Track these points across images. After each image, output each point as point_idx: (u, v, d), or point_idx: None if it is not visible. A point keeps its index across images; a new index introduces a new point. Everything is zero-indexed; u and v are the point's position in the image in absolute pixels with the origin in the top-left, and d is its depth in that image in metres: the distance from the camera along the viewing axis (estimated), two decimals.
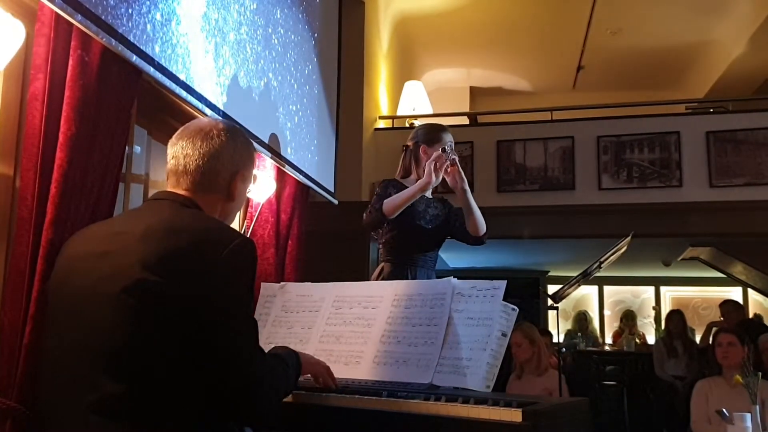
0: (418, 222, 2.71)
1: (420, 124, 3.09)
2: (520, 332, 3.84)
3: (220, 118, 2.73)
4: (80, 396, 1.27)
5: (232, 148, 1.54)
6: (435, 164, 2.62)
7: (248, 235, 3.32)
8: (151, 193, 2.68)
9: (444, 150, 2.68)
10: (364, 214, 2.67)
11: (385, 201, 2.60)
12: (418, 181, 2.63)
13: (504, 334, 1.72)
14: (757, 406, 2.64)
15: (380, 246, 2.80)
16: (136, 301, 1.27)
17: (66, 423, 1.30)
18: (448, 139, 2.80)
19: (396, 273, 2.67)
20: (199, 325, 1.28)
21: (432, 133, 2.82)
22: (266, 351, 1.45)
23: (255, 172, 3.25)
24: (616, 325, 8.80)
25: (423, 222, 2.73)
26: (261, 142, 3.16)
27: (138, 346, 1.26)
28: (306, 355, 1.67)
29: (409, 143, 2.88)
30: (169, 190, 1.53)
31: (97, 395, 1.25)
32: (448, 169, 2.68)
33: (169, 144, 1.55)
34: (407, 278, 2.65)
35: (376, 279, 2.71)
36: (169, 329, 1.27)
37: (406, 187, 2.72)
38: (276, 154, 3.34)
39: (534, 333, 3.92)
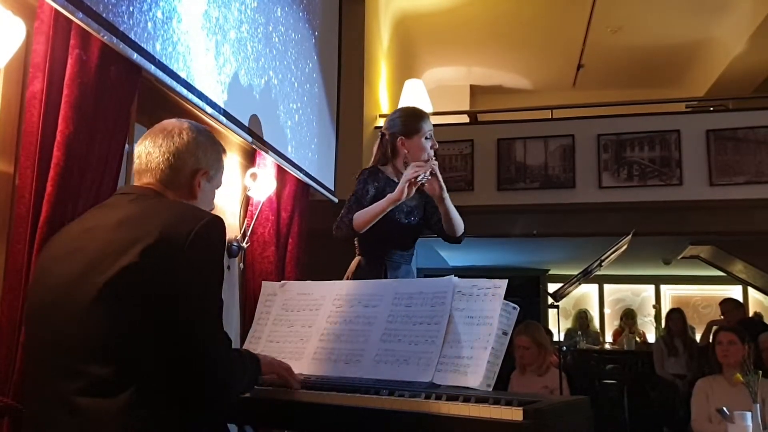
0: (396, 217, 2.59)
1: (399, 108, 2.89)
2: (529, 336, 3.81)
3: (220, 117, 2.72)
4: (64, 384, 1.30)
5: (194, 146, 1.56)
6: (410, 182, 2.44)
7: (248, 234, 3.32)
8: None
9: (426, 160, 2.54)
10: (334, 227, 2.54)
11: (355, 215, 2.48)
12: (389, 196, 2.48)
13: (505, 333, 1.71)
14: (758, 405, 2.64)
15: (355, 239, 2.67)
16: (119, 289, 1.31)
17: (49, 410, 1.33)
18: (428, 128, 2.65)
19: (372, 267, 2.59)
20: (171, 305, 1.32)
21: (410, 124, 2.64)
22: (259, 351, 1.47)
23: (256, 170, 3.26)
24: (617, 323, 8.81)
25: (402, 216, 2.62)
26: (261, 140, 3.16)
27: (123, 330, 1.31)
28: (266, 357, 1.69)
29: (386, 132, 2.70)
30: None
31: (83, 381, 1.29)
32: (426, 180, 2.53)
33: (135, 145, 1.59)
34: (383, 273, 2.58)
35: (353, 273, 2.62)
36: (148, 311, 1.31)
37: (389, 178, 2.64)
38: (276, 152, 3.34)
39: (542, 336, 3.89)
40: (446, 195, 2.57)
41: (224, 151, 1.69)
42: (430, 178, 2.48)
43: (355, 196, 2.57)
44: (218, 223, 1.43)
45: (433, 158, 2.62)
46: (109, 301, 1.30)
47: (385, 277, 2.56)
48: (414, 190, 2.49)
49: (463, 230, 2.69)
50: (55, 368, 1.34)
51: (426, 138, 2.64)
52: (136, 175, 1.57)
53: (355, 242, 2.69)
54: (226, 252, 3.18)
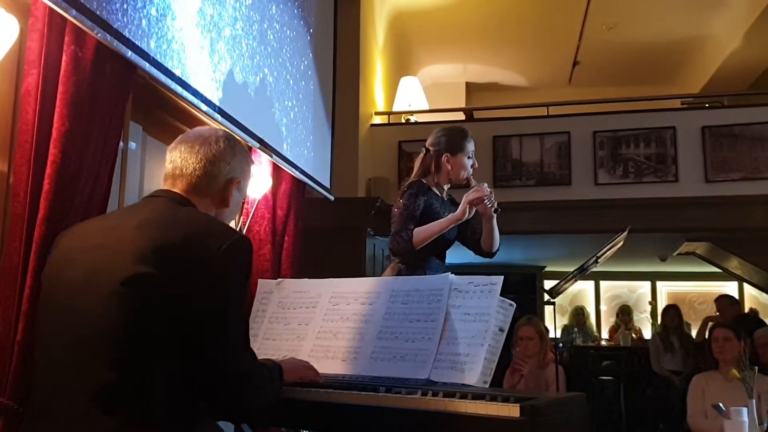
0: (445, 232, 2.68)
1: (443, 127, 3.00)
2: (532, 327, 3.85)
3: (215, 114, 2.72)
4: (79, 385, 1.28)
5: (230, 155, 1.57)
6: (472, 203, 2.60)
7: (244, 232, 3.31)
8: (146, 188, 2.67)
9: (482, 189, 2.66)
10: (391, 241, 2.62)
11: (415, 232, 2.58)
12: (451, 216, 2.62)
13: (501, 330, 1.71)
14: (753, 401, 2.64)
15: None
16: (131, 293, 1.28)
17: (66, 412, 1.30)
18: (471, 147, 2.82)
19: (414, 274, 2.64)
20: (191, 319, 1.29)
21: (456, 143, 2.80)
22: (255, 349, 1.46)
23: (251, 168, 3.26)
24: (613, 320, 8.82)
25: (446, 231, 2.69)
26: (257, 138, 3.15)
27: (133, 336, 1.28)
28: (287, 363, 1.68)
29: (430, 148, 2.83)
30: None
31: (95, 384, 1.26)
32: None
33: (168, 150, 1.58)
34: None
35: None
36: (163, 321, 1.28)
37: (432, 191, 2.75)
38: (272, 150, 3.33)
39: (542, 328, 3.95)
40: (495, 215, 2.71)
41: (252, 161, 1.69)
42: (498, 209, 2.65)
43: (407, 210, 2.65)
44: (247, 243, 1.42)
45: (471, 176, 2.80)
46: (123, 303, 1.28)
47: None
48: (474, 210, 2.63)
49: (498, 247, 2.81)
50: (68, 368, 1.31)
51: (468, 157, 2.82)
52: (168, 180, 1.55)
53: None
54: None
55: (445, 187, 2.85)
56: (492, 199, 2.65)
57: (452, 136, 2.83)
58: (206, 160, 1.53)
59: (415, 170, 2.86)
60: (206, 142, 1.55)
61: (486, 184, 2.70)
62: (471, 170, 2.81)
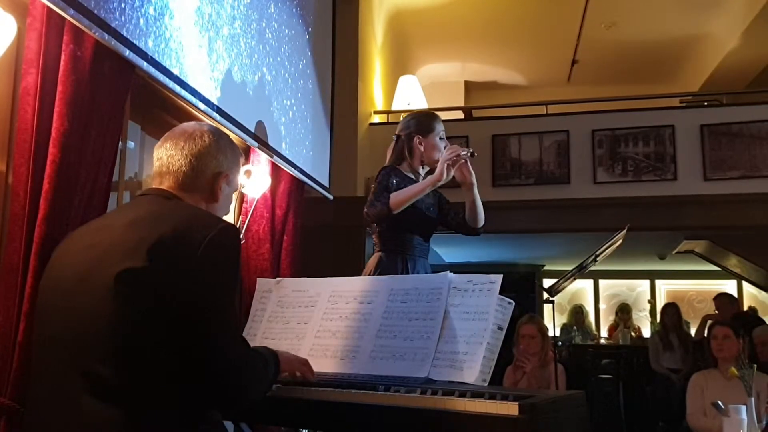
0: (422, 210, 2.69)
1: (410, 112, 3.02)
2: (534, 325, 3.85)
3: (213, 113, 2.71)
4: (70, 383, 1.28)
5: (215, 149, 1.56)
6: (449, 163, 2.58)
7: (243, 231, 3.31)
8: (145, 187, 2.67)
9: (449, 145, 2.66)
10: (367, 207, 2.61)
11: (393, 195, 2.57)
12: (429, 178, 2.61)
13: (500, 328, 1.71)
14: (752, 399, 2.64)
15: (375, 235, 2.75)
16: (125, 289, 1.29)
17: (59, 408, 1.31)
18: (441, 128, 2.81)
19: (393, 262, 2.65)
20: (182, 313, 1.29)
21: (426, 123, 2.80)
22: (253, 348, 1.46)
23: (250, 167, 3.25)
24: (612, 318, 8.83)
25: (425, 208, 2.71)
26: (255, 137, 3.15)
27: (127, 331, 1.28)
28: (284, 354, 1.68)
29: (401, 133, 2.83)
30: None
31: (90, 380, 1.27)
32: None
33: (155, 148, 1.58)
34: (406, 268, 2.65)
35: (374, 270, 2.68)
36: (156, 314, 1.28)
37: (406, 175, 2.73)
38: (270, 150, 3.33)
39: (544, 326, 3.95)
40: (475, 182, 2.73)
41: (242, 154, 1.68)
42: (472, 152, 2.63)
43: (381, 185, 2.66)
44: (233, 231, 1.42)
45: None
46: (116, 299, 1.28)
47: (406, 270, 2.65)
48: (452, 172, 2.61)
49: (483, 221, 2.79)
50: (62, 365, 1.32)
51: (440, 138, 2.80)
52: (156, 178, 1.56)
53: (376, 239, 2.75)
54: None
55: (421, 171, 2.82)
56: (466, 148, 2.66)
57: (421, 119, 2.85)
58: (192, 155, 1.53)
59: (387, 159, 2.86)
60: (191, 137, 1.54)
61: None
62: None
